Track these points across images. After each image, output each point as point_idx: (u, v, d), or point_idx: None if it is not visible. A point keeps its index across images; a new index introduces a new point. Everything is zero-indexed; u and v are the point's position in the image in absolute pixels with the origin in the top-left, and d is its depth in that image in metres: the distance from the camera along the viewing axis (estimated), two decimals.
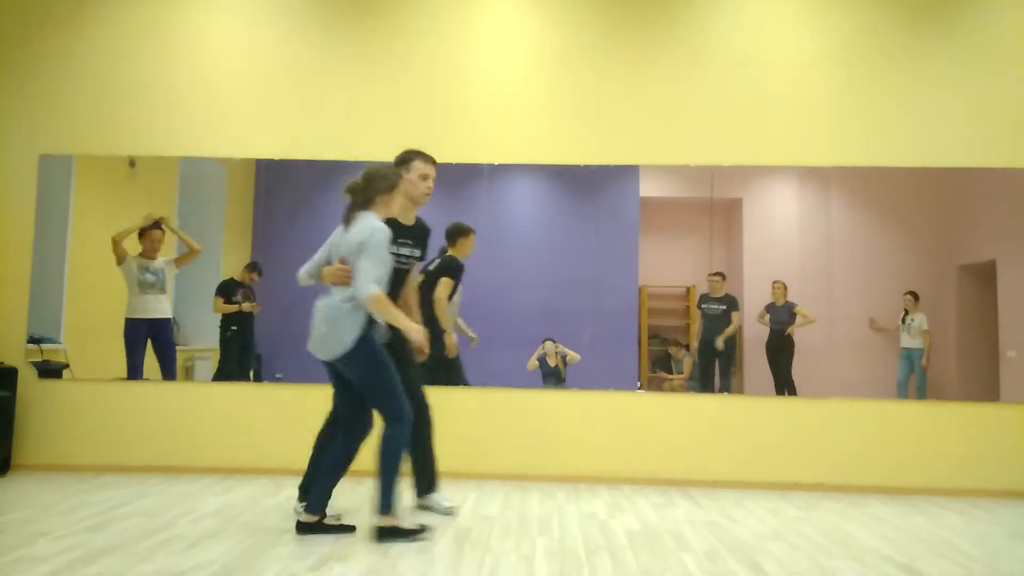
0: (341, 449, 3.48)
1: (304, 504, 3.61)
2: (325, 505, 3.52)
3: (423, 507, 4.07)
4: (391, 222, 3.83)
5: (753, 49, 5.33)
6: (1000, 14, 5.25)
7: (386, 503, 3.41)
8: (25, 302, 5.22)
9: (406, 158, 3.88)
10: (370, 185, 3.52)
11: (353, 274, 3.38)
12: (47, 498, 4.24)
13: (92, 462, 5.13)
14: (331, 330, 3.39)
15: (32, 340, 5.19)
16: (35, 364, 5.18)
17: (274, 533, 3.56)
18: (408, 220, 3.92)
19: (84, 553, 3.17)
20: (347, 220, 3.52)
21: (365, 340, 3.39)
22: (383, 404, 3.43)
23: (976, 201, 5.18)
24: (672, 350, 5.36)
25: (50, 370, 5.18)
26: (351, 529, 3.58)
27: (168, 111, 5.37)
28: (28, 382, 5.17)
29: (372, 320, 3.45)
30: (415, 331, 3.49)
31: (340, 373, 3.54)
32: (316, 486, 3.50)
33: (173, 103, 5.37)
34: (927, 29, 5.28)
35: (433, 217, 5.38)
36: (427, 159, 3.90)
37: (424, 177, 3.87)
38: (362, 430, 3.53)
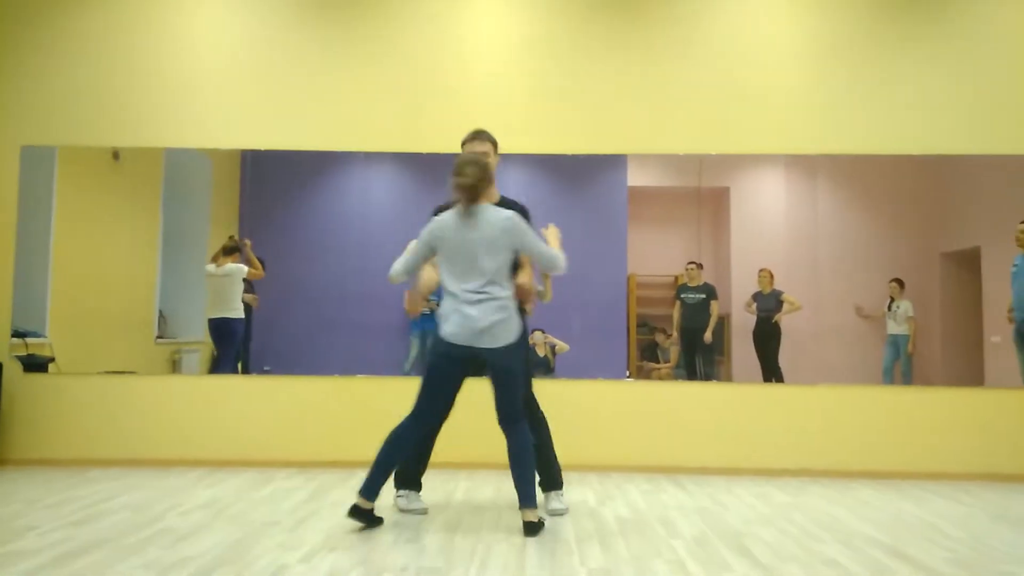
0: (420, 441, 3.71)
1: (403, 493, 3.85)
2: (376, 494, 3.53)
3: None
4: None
5: (740, 37, 5.33)
6: (983, 6, 5.28)
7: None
8: (9, 296, 5.17)
9: (463, 142, 3.87)
10: (483, 178, 3.48)
11: (544, 260, 3.51)
12: (34, 493, 4.21)
13: (79, 456, 5.10)
14: (503, 320, 3.43)
15: (16, 334, 5.14)
16: (20, 358, 5.14)
17: (264, 525, 3.56)
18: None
19: (73, 547, 3.16)
20: (465, 214, 3.45)
21: (523, 333, 3.61)
22: (523, 394, 3.58)
23: (960, 188, 5.22)
24: (659, 338, 5.38)
25: (35, 364, 5.14)
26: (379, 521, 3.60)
27: (152, 102, 5.32)
28: (13, 377, 5.12)
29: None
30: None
31: (468, 368, 3.51)
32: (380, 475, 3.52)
33: (157, 94, 5.32)
34: (911, 18, 5.30)
35: (419, 206, 5.38)
36: (467, 139, 3.85)
37: None
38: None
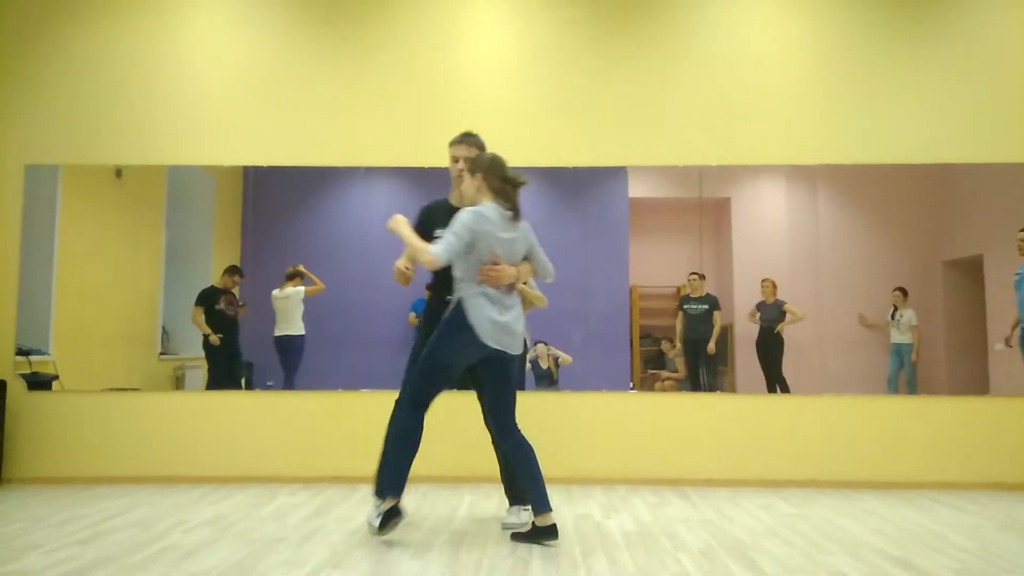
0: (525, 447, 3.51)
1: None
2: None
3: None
4: (452, 208, 3.76)
5: (740, 48, 5.36)
6: (984, 13, 5.30)
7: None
8: (13, 314, 5.18)
9: (472, 137, 3.85)
10: None
11: (546, 268, 3.64)
12: (39, 511, 4.21)
13: (83, 474, 5.10)
14: (523, 326, 3.55)
15: (20, 352, 5.15)
16: (24, 376, 5.14)
17: (270, 541, 3.55)
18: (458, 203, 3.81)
19: (77, 566, 3.15)
20: (510, 215, 3.49)
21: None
22: (514, 405, 3.57)
23: (962, 196, 5.23)
24: (664, 347, 5.37)
25: (39, 382, 5.14)
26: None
27: (154, 120, 5.35)
28: (17, 395, 5.13)
29: None
30: None
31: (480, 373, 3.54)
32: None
33: (159, 112, 5.35)
34: (912, 28, 5.32)
35: None
36: (453, 142, 3.83)
37: (454, 160, 3.80)
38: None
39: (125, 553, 3.34)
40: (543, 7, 5.39)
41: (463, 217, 3.38)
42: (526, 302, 3.89)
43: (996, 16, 5.29)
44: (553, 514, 3.47)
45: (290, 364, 5.30)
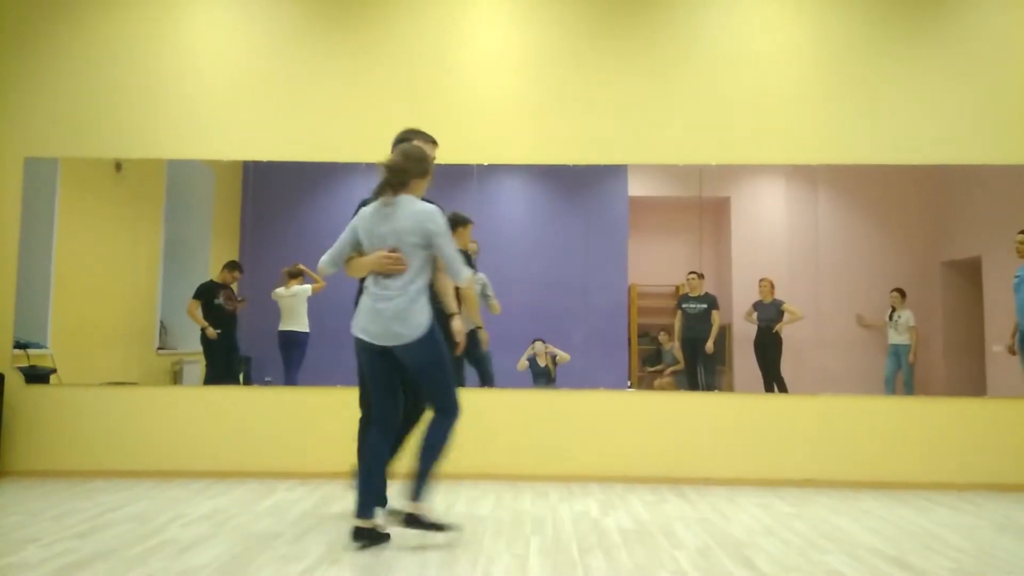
0: (383, 446, 3.39)
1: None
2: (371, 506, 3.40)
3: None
4: None
5: (740, 48, 5.36)
6: (984, 13, 5.31)
7: (426, 491, 3.37)
8: (11, 307, 5.18)
9: (405, 139, 3.73)
10: (409, 168, 3.40)
11: (448, 265, 3.36)
12: (36, 504, 4.21)
13: (81, 467, 5.10)
14: (404, 316, 3.28)
15: (18, 345, 5.15)
16: (22, 369, 5.14)
17: (267, 536, 3.55)
18: None
19: (75, 559, 3.15)
20: (385, 203, 3.37)
21: (432, 325, 3.36)
22: (443, 391, 3.39)
23: (961, 198, 5.23)
24: (662, 339, 5.37)
25: (37, 375, 5.14)
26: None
27: (154, 114, 5.34)
28: (15, 388, 5.12)
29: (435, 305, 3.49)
30: (458, 320, 3.66)
31: (390, 365, 3.40)
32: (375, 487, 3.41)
33: (159, 105, 5.34)
34: (912, 28, 5.32)
35: None
36: (427, 139, 3.77)
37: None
38: (397, 424, 3.48)
39: (123, 547, 3.34)
40: (543, 7, 5.39)
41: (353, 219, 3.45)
42: (466, 304, 3.86)
43: (996, 16, 5.30)
44: (426, 504, 3.37)
45: (292, 360, 5.31)
